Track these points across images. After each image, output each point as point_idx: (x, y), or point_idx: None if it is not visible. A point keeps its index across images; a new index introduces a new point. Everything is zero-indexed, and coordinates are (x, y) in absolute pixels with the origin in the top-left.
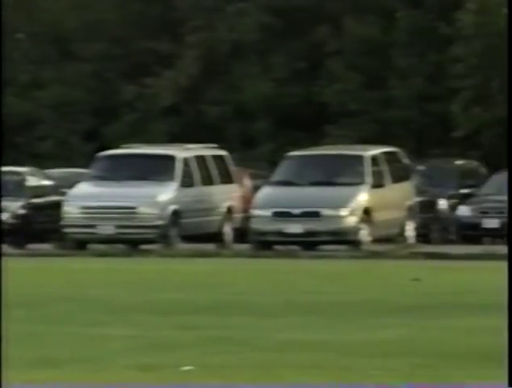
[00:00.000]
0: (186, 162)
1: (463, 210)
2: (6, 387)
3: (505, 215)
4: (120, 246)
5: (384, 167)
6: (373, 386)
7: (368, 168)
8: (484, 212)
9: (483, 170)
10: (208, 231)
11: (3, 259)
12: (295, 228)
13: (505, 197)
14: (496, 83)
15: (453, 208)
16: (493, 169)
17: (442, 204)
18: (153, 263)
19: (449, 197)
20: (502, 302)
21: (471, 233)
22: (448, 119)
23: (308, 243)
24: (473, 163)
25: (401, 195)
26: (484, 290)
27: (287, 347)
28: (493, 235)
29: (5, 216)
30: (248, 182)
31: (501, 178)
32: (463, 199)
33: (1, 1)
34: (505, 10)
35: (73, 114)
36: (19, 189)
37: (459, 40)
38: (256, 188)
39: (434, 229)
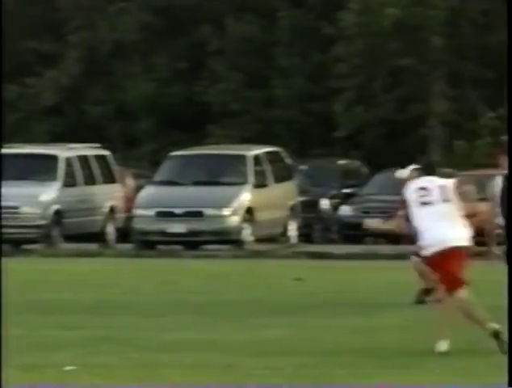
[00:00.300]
0: (68, 161)
1: (345, 210)
2: (6, 387)
3: (387, 215)
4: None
5: (267, 167)
6: (256, 386)
7: (251, 168)
8: (366, 212)
9: (365, 169)
10: (91, 231)
11: None
12: (177, 228)
13: (386, 197)
14: (378, 83)
15: (335, 207)
16: (375, 169)
17: (325, 203)
18: (35, 262)
19: (331, 197)
20: (384, 301)
21: (353, 232)
22: (330, 118)
23: (191, 243)
24: (355, 163)
25: (284, 194)
26: (366, 289)
27: (171, 347)
28: (374, 235)
29: None
30: (130, 182)
31: (383, 177)
32: (346, 199)
33: (1, 1)
34: (387, 11)
35: None
36: None
37: (341, 39)
38: (139, 188)
39: (317, 229)
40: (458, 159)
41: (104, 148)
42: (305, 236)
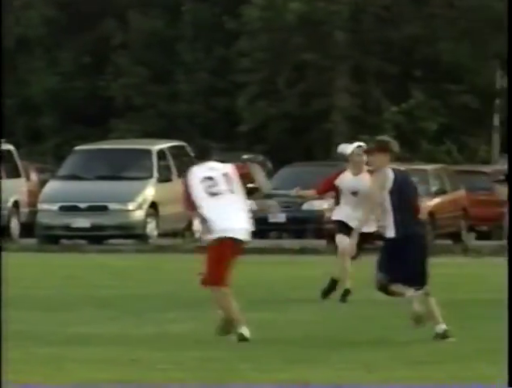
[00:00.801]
0: None
1: (249, 205)
2: (6, 387)
3: (291, 209)
4: None
5: (171, 161)
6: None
7: (155, 162)
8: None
9: (269, 164)
10: None
11: None
12: (81, 222)
13: (290, 191)
14: (282, 78)
15: None
16: (279, 163)
17: None
18: None
19: None
20: (289, 295)
21: (257, 227)
22: (234, 113)
23: (95, 237)
24: (259, 157)
25: None
26: (271, 284)
27: (76, 342)
28: (279, 229)
29: None
30: (34, 176)
31: (287, 172)
32: (249, 193)
33: (1, 1)
34: (291, 5)
35: None
36: None
37: (244, 34)
38: (43, 183)
39: None
40: None
41: (8, 142)
42: None
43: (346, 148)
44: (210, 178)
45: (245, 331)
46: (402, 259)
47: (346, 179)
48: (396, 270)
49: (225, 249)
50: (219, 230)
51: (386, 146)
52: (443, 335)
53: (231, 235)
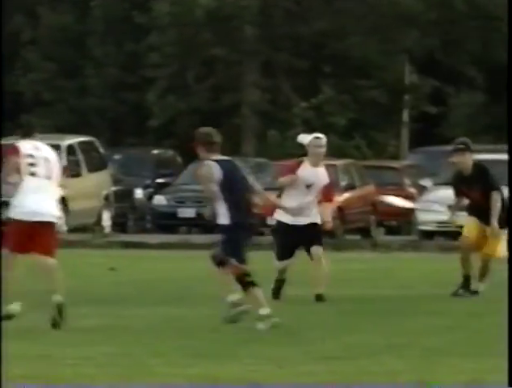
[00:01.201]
0: None
1: (159, 199)
2: (6, 386)
3: (201, 204)
4: None
5: (80, 156)
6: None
7: (64, 157)
8: (180, 202)
9: (178, 159)
10: None
11: None
12: None
13: (200, 187)
14: (191, 73)
15: (149, 197)
16: (189, 158)
17: (138, 193)
18: None
19: (145, 186)
20: (197, 291)
21: (167, 222)
22: (144, 108)
23: None
24: (169, 152)
25: (98, 184)
26: (180, 279)
27: None
28: (188, 224)
29: None
30: None
31: (196, 167)
32: (159, 188)
33: (1, 1)
34: (200, 0)
35: None
36: None
37: (154, 29)
38: None
39: (131, 219)
40: (270, 149)
41: None
42: (119, 226)
43: (304, 138)
44: (32, 156)
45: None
46: (236, 244)
47: (304, 170)
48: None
49: (24, 229)
50: (21, 211)
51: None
52: (266, 317)
53: (33, 218)
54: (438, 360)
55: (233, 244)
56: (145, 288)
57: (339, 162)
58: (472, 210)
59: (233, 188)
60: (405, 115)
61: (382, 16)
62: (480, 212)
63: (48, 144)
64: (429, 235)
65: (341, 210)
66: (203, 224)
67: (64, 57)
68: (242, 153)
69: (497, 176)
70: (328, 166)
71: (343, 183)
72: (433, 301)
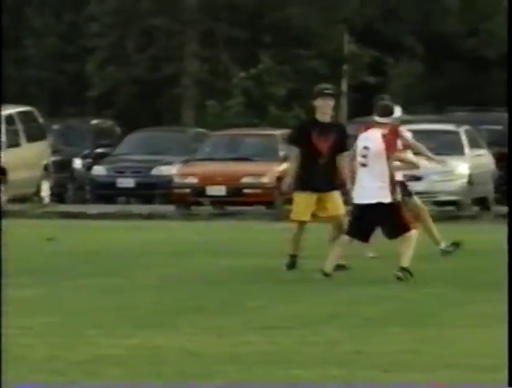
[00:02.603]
0: None
1: (99, 170)
2: (6, 386)
3: (140, 174)
4: None
5: (19, 127)
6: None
7: (3, 128)
8: (120, 172)
9: (118, 129)
10: None
11: None
12: None
13: (139, 157)
14: (131, 42)
15: (88, 167)
16: (128, 128)
17: (78, 163)
18: None
19: (84, 157)
20: (136, 261)
21: (106, 192)
22: (83, 78)
23: None
24: (108, 123)
25: (37, 154)
26: (119, 249)
27: None
28: (127, 194)
29: None
30: None
31: (135, 137)
32: (99, 158)
33: (1, 1)
34: None
35: None
36: None
37: None
38: None
39: (70, 189)
40: (210, 119)
41: None
42: (58, 196)
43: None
44: None
45: None
46: None
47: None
48: None
49: None
50: None
51: None
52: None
53: None
54: (376, 330)
55: None
56: (84, 259)
57: (278, 133)
58: (306, 170)
59: None
60: (344, 85)
61: None
62: (318, 170)
63: None
64: None
65: (279, 180)
66: (143, 194)
67: (2, 27)
68: (182, 123)
69: (438, 146)
70: (267, 136)
71: (282, 154)
72: (369, 270)
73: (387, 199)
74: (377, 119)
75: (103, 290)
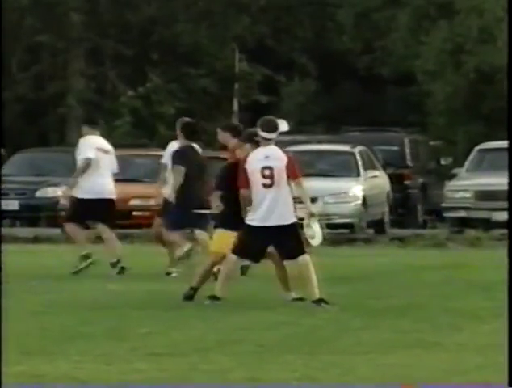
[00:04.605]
0: None
1: None
2: (6, 386)
3: (25, 196)
4: None
5: None
6: None
7: None
8: (4, 194)
9: (1, 150)
10: None
11: None
12: None
13: (24, 178)
14: (15, 60)
15: None
16: (13, 149)
17: None
18: None
19: None
20: (21, 285)
21: None
22: None
23: None
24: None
25: None
26: (4, 273)
27: None
28: (12, 217)
29: None
30: None
31: (21, 158)
32: None
33: (0, 1)
34: None
35: None
36: None
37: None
38: None
39: None
40: None
41: None
42: None
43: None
44: None
45: None
46: None
47: None
48: None
49: None
50: None
51: None
52: None
53: None
54: (269, 358)
55: None
56: None
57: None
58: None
59: None
60: (235, 105)
61: (212, 2)
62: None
63: None
64: None
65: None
66: (27, 216)
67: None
68: (68, 144)
69: (332, 167)
70: (158, 158)
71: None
72: (265, 296)
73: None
74: (263, 134)
75: None
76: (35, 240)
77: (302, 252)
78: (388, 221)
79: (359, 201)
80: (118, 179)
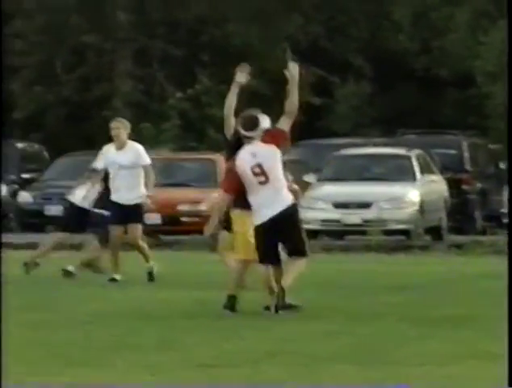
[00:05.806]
0: None
1: (25, 196)
2: (6, 387)
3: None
4: None
5: None
6: None
7: None
8: (47, 199)
9: (45, 154)
10: None
11: None
12: None
13: (68, 182)
14: (60, 61)
15: (14, 194)
16: (56, 153)
17: (2, 189)
18: None
19: (9, 183)
20: (64, 294)
21: (33, 220)
22: (8, 98)
23: None
24: (35, 146)
25: None
26: (47, 280)
27: None
28: (56, 223)
29: None
30: None
31: (64, 162)
32: (25, 184)
33: (0, 2)
34: None
35: None
36: None
37: (19, 14)
38: None
39: None
40: (144, 142)
41: None
42: None
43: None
44: None
45: None
46: None
47: None
48: None
49: None
50: None
51: None
52: None
53: None
54: (322, 369)
55: None
56: (10, 292)
57: (218, 157)
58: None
59: None
60: None
61: (264, 1)
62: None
63: None
64: (313, 234)
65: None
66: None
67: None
68: None
69: (387, 171)
70: (206, 161)
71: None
72: (317, 305)
73: None
74: (244, 133)
75: (30, 326)
76: (80, 246)
77: (302, 254)
78: (445, 227)
79: (416, 207)
80: (165, 184)
